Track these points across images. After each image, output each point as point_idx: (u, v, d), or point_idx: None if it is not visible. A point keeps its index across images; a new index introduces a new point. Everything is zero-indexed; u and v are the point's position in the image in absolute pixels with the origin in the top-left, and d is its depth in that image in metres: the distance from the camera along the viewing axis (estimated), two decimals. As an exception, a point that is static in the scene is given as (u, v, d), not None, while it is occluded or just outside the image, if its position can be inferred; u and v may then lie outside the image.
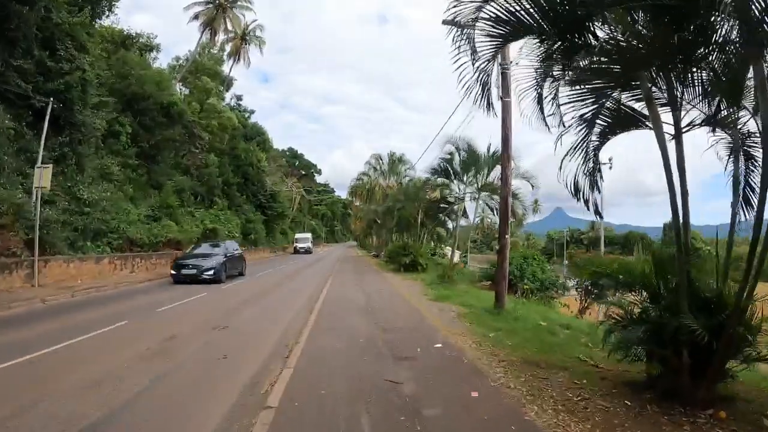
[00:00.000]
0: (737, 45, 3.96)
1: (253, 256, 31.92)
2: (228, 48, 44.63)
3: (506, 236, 9.08)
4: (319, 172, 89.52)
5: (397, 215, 21.43)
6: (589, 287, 15.16)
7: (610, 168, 27.98)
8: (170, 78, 34.44)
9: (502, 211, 9.17)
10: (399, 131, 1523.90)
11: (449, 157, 13.61)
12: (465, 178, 14.07)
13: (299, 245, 43.89)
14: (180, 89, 38.57)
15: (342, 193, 77.61)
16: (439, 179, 14.80)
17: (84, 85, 18.35)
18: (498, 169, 14.10)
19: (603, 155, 5.97)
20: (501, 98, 9.84)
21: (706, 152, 5.37)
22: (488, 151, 13.13)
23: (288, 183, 51.37)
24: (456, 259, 38.79)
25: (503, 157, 9.29)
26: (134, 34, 28.17)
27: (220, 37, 42.65)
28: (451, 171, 13.83)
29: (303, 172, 75.99)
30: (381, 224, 33.54)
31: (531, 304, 11.58)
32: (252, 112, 48.58)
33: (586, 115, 5.27)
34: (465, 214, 17.53)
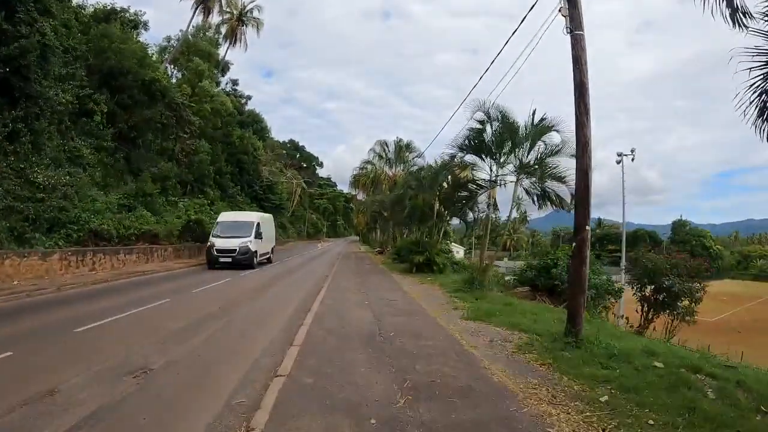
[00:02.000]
0: None
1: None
2: (224, 30, 41.53)
3: (586, 228, 6.04)
4: (321, 164, 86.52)
5: (409, 205, 18.21)
6: (655, 296, 12.23)
7: (633, 160, 24.65)
8: (160, 59, 31.57)
9: (580, 191, 6.10)
10: (403, 127, 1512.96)
11: (480, 127, 10.42)
12: (498, 156, 10.95)
13: (220, 245, 17.69)
14: (171, 71, 35.66)
15: (344, 189, 74.49)
16: (467, 156, 11.50)
17: (45, 52, 15.70)
18: (540, 145, 11.06)
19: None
20: (571, 31, 6.86)
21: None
22: (532, 117, 9.87)
23: (287, 174, 48.23)
24: (461, 255, 35.50)
25: (579, 110, 6.22)
26: (118, 9, 25.42)
27: (215, 17, 39.62)
28: (483, 146, 10.63)
29: (304, 165, 72.93)
30: (388, 217, 30.38)
31: (598, 321, 8.46)
32: (249, 97, 45.49)
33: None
34: (495, 203, 14.34)
